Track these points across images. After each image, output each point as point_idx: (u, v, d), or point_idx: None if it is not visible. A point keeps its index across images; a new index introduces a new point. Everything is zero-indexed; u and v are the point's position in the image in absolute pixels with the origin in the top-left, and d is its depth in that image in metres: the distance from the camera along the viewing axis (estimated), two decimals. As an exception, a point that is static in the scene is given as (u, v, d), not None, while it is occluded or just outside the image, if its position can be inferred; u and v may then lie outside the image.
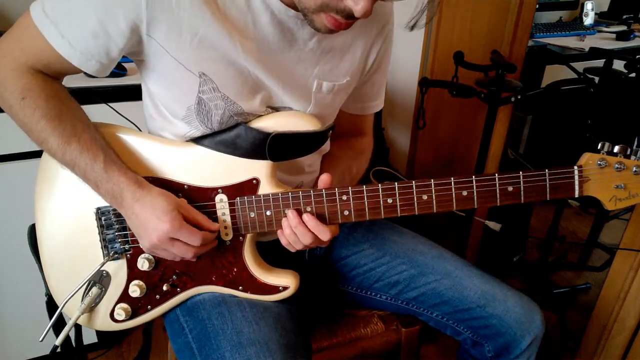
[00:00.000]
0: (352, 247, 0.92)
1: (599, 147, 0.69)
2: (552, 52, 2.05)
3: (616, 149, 0.68)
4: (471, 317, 0.83)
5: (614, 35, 2.29)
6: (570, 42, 2.15)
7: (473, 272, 0.86)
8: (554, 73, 2.06)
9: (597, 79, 1.71)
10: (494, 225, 1.74)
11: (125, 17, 0.62)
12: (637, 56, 1.56)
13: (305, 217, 0.72)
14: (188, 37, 0.65)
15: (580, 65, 1.79)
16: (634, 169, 0.68)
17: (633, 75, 1.62)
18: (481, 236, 1.86)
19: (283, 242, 0.75)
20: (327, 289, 0.96)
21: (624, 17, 2.52)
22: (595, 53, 1.82)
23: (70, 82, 0.75)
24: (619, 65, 1.66)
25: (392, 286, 0.89)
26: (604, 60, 1.72)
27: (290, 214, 0.72)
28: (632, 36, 2.24)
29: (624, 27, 2.41)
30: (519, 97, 1.40)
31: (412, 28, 0.66)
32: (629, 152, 0.69)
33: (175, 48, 0.66)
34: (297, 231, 0.72)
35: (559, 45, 2.11)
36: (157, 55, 0.67)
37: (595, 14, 2.47)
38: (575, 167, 0.69)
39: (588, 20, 2.44)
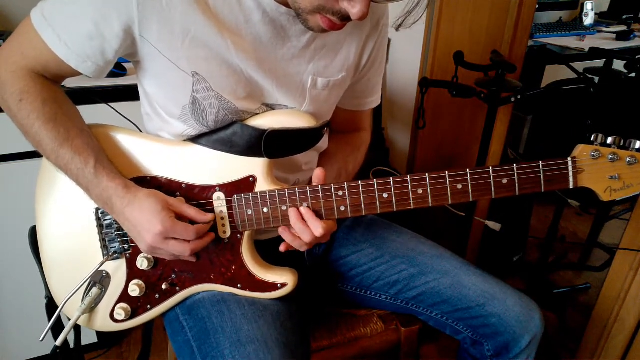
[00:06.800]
0: (351, 246, 0.92)
1: (592, 139, 0.68)
2: (552, 52, 2.05)
3: (609, 140, 0.68)
4: (471, 316, 0.83)
5: (614, 35, 2.29)
6: (570, 42, 2.16)
7: (472, 271, 0.86)
8: (554, 73, 2.06)
9: (597, 79, 1.71)
10: (494, 225, 1.74)
11: (119, 19, 0.63)
12: (637, 56, 1.56)
13: (303, 210, 0.72)
14: (180, 37, 0.65)
15: (580, 65, 1.79)
16: (628, 159, 0.67)
17: (633, 75, 1.62)
18: (481, 236, 1.86)
19: (287, 240, 0.75)
20: (327, 288, 0.96)
21: (624, 17, 2.52)
22: (595, 53, 1.82)
23: (71, 82, 0.76)
24: (619, 65, 1.65)
25: (392, 286, 0.89)
26: (604, 60, 1.72)
27: (291, 212, 0.72)
28: (632, 36, 2.24)
29: (624, 27, 2.41)
30: (519, 97, 1.40)
31: (397, 28, 0.66)
32: (622, 143, 0.68)
33: (167, 48, 0.66)
34: (296, 227, 0.72)
35: (559, 45, 2.11)
36: (151, 55, 0.68)
37: (595, 14, 2.47)
38: (569, 159, 0.69)
39: (588, 20, 2.44)
